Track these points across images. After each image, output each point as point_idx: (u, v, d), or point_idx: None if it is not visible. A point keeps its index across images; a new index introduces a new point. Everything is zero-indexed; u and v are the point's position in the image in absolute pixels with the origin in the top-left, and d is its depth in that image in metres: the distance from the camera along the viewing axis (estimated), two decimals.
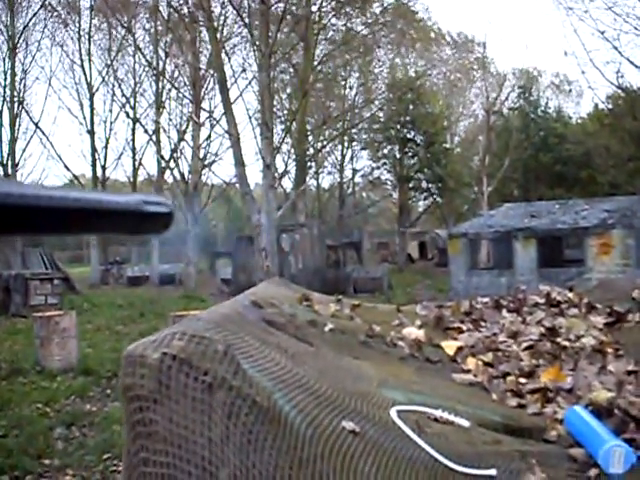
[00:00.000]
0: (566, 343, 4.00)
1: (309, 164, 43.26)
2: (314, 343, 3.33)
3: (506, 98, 51.57)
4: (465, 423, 2.62)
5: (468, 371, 3.66)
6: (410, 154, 48.82)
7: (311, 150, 42.06)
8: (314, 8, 31.06)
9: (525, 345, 4.00)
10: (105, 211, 0.59)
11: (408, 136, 47.70)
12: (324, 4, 31.86)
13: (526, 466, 2.35)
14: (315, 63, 33.92)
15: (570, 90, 56.15)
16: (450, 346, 3.98)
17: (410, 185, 50.02)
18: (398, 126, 47.13)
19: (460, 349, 3.95)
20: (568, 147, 46.36)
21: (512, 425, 2.86)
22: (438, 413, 2.63)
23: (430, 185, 49.09)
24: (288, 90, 41.35)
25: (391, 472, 2.08)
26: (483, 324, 4.53)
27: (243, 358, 2.19)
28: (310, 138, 42.10)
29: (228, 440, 1.97)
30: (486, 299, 5.16)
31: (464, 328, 4.40)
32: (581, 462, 2.52)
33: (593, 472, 2.43)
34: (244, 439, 1.97)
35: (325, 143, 43.48)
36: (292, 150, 40.20)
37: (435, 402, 2.77)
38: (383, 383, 2.89)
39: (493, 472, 2.29)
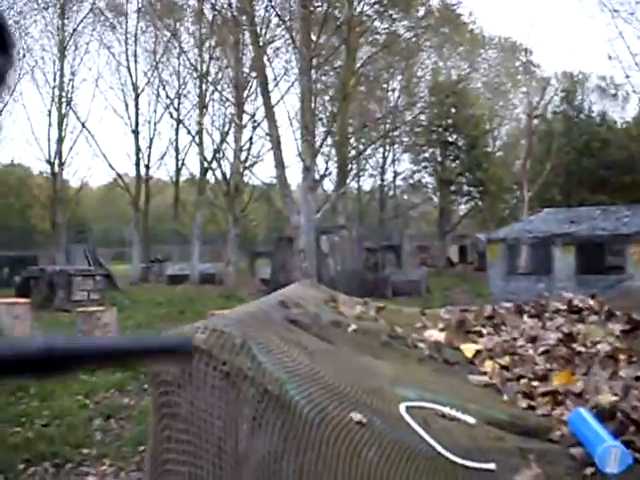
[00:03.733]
0: (581, 349, 4.12)
1: (350, 166, 43.40)
2: (336, 342, 3.51)
3: (549, 102, 51.28)
4: (471, 420, 2.78)
5: (484, 373, 3.79)
6: (452, 157, 48.72)
7: (352, 152, 42.18)
8: (357, 11, 31.18)
9: (542, 350, 4.12)
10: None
11: (450, 139, 47.61)
12: (366, 7, 31.98)
13: (524, 462, 2.51)
14: (357, 66, 34.04)
15: (615, 94, 55.50)
16: (469, 349, 4.12)
17: (451, 189, 49.90)
18: (440, 129, 47.07)
19: (478, 352, 4.09)
20: (612, 152, 45.87)
21: (519, 424, 3.00)
22: (445, 410, 2.79)
23: (471, 189, 48.94)
24: (330, 93, 41.50)
25: (394, 461, 2.26)
26: (504, 328, 4.66)
27: (260, 351, 2.40)
28: (352, 140, 42.26)
29: (241, 423, 2.18)
30: (509, 304, 5.28)
31: (485, 332, 4.53)
32: (580, 461, 2.65)
33: (589, 470, 2.56)
34: (256, 423, 2.18)
35: (366, 146, 43.56)
36: (333, 152, 40.38)
37: (445, 400, 2.93)
38: (397, 381, 3.06)
39: (492, 466, 2.44)
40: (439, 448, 2.41)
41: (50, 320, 20.46)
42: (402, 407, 2.65)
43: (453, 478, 2.35)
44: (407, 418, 2.56)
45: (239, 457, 2.18)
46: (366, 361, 3.34)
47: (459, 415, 2.78)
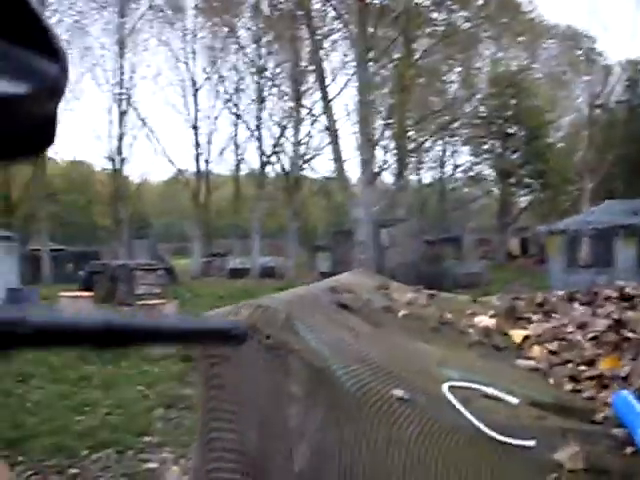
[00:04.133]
0: (630, 335, 4.13)
1: (410, 159, 43.31)
2: (385, 326, 3.60)
3: (612, 91, 50.41)
4: (513, 400, 2.84)
5: (532, 358, 3.84)
6: (512, 149, 48.27)
7: (412, 145, 42.07)
8: (414, 2, 31.12)
9: (590, 336, 4.14)
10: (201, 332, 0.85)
11: (510, 131, 47.18)
12: None
13: (564, 440, 2.57)
14: (415, 58, 33.96)
15: None
16: (518, 334, 4.17)
17: (511, 181, 49.45)
18: (500, 121, 46.67)
19: (527, 337, 4.13)
20: None
21: (563, 406, 3.05)
22: (488, 390, 2.86)
23: (532, 181, 48.44)
24: (389, 85, 41.45)
25: (433, 435, 2.34)
26: (554, 315, 4.69)
27: (304, 328, 2.50)
28: (411, 133, 42.15)
29: (284, 393, 2.30)
30: (561, 292, 5.30)
31: (535, 318, 4.56)
32: (621, 441, 2.69)
33: (629, 449, 2.61)
34: (298, 393, 2.29)
35: (425, 138, 43.41)
36: (392, 145, 40.36)
37: (490, 382, 2.99)
38: (442, 363, 3.13)
39: (532, 443, 2.50)
40: (478, 424, 2.48)
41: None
42: (445, 386, 2.73)
43: (492, 454, 2.42)
44: (449, 396, 2.63)
45: (282, 426, 2.30)
46: (413, 344, 3.41)
47: (501, 395, 2.85)
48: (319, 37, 30.10)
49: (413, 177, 51.28)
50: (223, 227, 58.00)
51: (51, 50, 0.49)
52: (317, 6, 31.82)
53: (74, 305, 16.99)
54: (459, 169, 54.18)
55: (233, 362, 2.42)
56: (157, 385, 11.12)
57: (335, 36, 35.34)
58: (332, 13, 31.21)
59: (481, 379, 3.00)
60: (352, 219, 26.38)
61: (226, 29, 41.96)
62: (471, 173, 53.05)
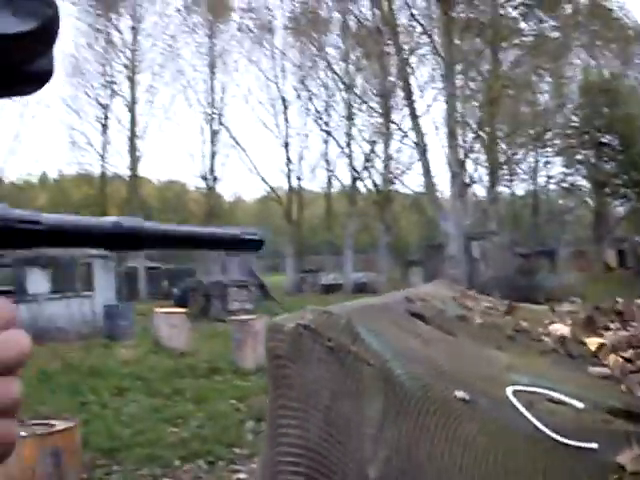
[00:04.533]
0: None
1: (501, 171, 42.90)
2: (458, 335, 3.66)
3: None
4: (579, 404, 2.87)
5: (606, 366, 3.84)
6: (606, 159, 47.26)
7: (503, 157, 41.67)
8: (501, 14, 30.92)
9: None
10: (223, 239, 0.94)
11: (603, 140, 46.22)
12: (510, 9, 31.67)
13: (627, 443, 2.60)
14: (504, 69, 33.70)
15: None
16: (593, 342, 4.17)
17: (607, 191, 48.39)
18: (592, 130, 45.78)
19: (603, 345, 4.12)
20: None
21: (631, 412, 3.07)
22: (554, 394, 2.91)
23: (628, 190, 47.31)
24: (478, 97, 41.22)
25: (493, 434, 2.41)
26: (633, 324, 4.67)
27: (365, 331, 2.62)
28: (502, 145, 41.77)
29: (344, 392, 2.42)
30: None
31: (612, 327, 4.55)
32: None
33: None
34: (357, 392, 2.41)
35: (517, 150, 42.94)
36: (483, 157, 40.08)
37: (558, 387, 3.03)
38: (511, 368, 3.18)
39: (594, 445, 2.54)
40: (540, 425, 2.53)
41: (205, 329, 21.28)
42: (509, 389, 2.79)
43: (553, 455, 2.47)
44: (512, 398, 2.69)
45: (342, 423, 2.41)
46: (483, 350, 3.47)
47: (567, 399, 2.88)
48: (406, 52, 30.21)
49: (505, 189, 50.69)
50: (316, 243, 58.42)
51: None
52: (404, 21, 32.05)
53: (168, 321, 17.40)
54: (552, 180, 53.29)
55: (298, 363, 2.56)
56: (248, 398, 11.33)
57: (422, 50, 35.48)
58: (418, 28, 31.33)
59: (549, 385, 3.04)
60: (443, 233, 26.27)
61: (314, 47, 42.47)
62: (564, 184, 52.12)
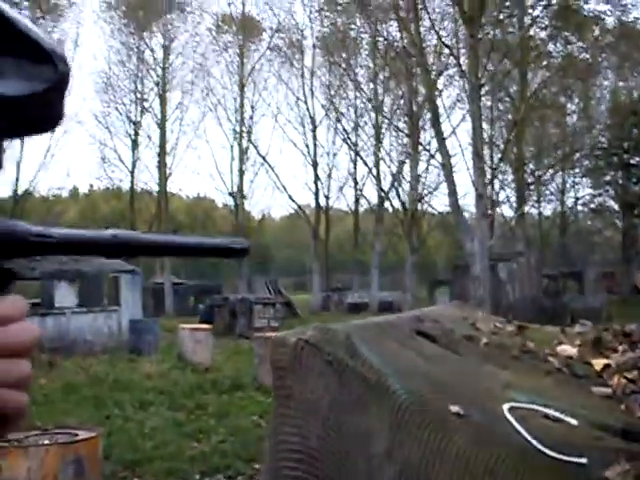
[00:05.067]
0: None
1: (528, 192, 42.81)
2: (463, 354, 3.79)
3: None
4: (573, 421, 2.99)
5: (609, 386, 3.93)
6: (635, 180, 47.03)
7: (530, 178, 41.60)
8: (529, 35, 30.99)
9: None
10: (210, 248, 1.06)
11: (632, 161, 46.01)
12: (538, 31, 31.75)
13: (615, 459, 2.71)
14: (531, 90, 33.72)
15: None
16: (599, 363, 4.26)
17: (635, 212, 48.11)
18: (621, 151, 45.60)
19: (608, 366, 4.22)
20: None
21: (627, 430, 3.17)
22: (549, 411, 3.02)
23: None
24: (506, 118, 41.25)
25: (483, 445, 2.54)
26: None
27: (363, 346, 2.77)
28: (529, 166, 41.72)
29: (341, 403, 2.57)
30: None
31: (620, 348, 4.63)
32: None
33: None
34: (353, 404, 2.56)
35: (545, 170, 42.85)
36: (510, 178, 40.08)
37: (556, 405, 3.14)
38: (512, 386, 3.30)
39: (583, 460, 2.66)
40: (531, 439, 2.65)
41: (230, 346, 21.43)
42: (505, 405, 2.91)
43: (543, 469, 2.59)
44: (506, 414, 2.82)
45: (338, 432, 2.56)
46: (486, 369, 3.58)
47: (562, 416, 3.00)
48: (434, 73, 30.40)
49: (533, 210, 50.55)
50: (343, 261, 58.52)
51: (44, 56, 0.71)
52: (431, 42, 32.29)
53: (193, 337, 17.57)
54: (580, 201, 53.08)
55: (299, 375, 2.72)
56: (269, 414, 11.40)
57: (449, 71, 35.60)
58: (446, 49, 31.43)
59: (548, 403, 3.16)
60: (468, 253, 26.28)
61: (343, 67, 42.79)
62: (593, 205, 51.90)
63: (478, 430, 2.61)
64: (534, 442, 2.65)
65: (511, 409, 2.90)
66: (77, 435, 6.02)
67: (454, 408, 2.66)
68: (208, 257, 0.95)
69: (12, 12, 0.70)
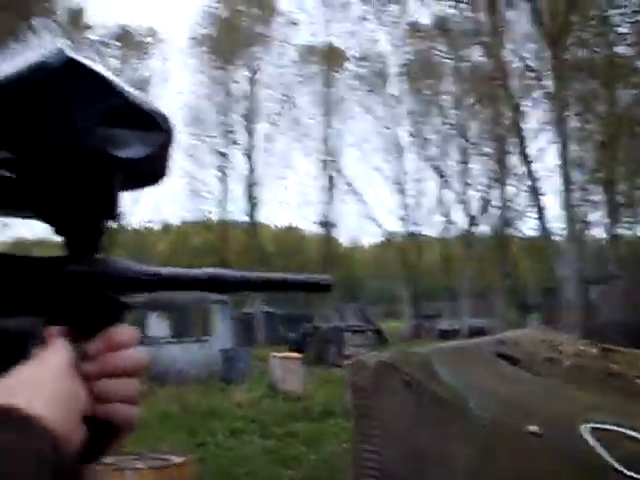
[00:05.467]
0: None
1: (621, 213, 41.86)
2: (545, 375, 3.79)
3: None
4: None
5: None
6: None
7: (623, 198, 40.68)
8: (616, 53, 30.50)
9: None
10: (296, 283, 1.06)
11: None
12: (625, 48, 31.19)
13: None
14: (620, 108, 33.10)
15: None
16: None
17: None
18: None
19: None
20: None
21: None
22: (632, 433, 3.00)
23: None
24: (594, 139, 40.51)
25: (562, 465, 2.56)
26: None
27: (444, 369, 2.83)
28: (622, 186, 40.83)
29: (419, 423, 2.63)
30: None
31: None
32: None
33: None
34: (430, 424, 2.61)
35: (638, 191, 41.83)
36: (601, 199, 39.29)
37: (637, 426, 3.12)
38: (593, 407, 3.29)
39: None
40: (610, 459, 2.65)
41: (321, 374, 21.49)
42: (585, 426, 2.91)
43: None
44: (586, 434, 2.82)
45: (416, 451, 2.61)
46: (567, 391, 3.58)
47: None
48: (519, 96, 30.15)
49: (626, 231, 49.36)
50: (433, 288, 58.12)
51: (154, 124, 0.88)
52: (515, 65, 32.01)
53: (284, 365, 17.73)
54: None
55: (378, 395, 2.79)
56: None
57: (535, 94, 35.19)
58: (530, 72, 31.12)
59: (629, 424, 3.13)
60: (559, 277, 25.87)
61: (428, 93, 42.85)
62: None
63: (556, 450, 2.63)
64: (615, 463, 2.65)
65: (591, 430, 2.90)
66: (170, 460, 6.18)
67: (531, 428, 2.69)
68: (294, 292, 1.06)
69: (128, 88, 0.86)
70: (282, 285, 1.01)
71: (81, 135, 0.83)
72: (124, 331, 0.87)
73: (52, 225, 0.87)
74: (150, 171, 0.92)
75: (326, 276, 1.06)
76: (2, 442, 0.68)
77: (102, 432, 0.83)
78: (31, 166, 0.83)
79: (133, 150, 0.85)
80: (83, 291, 0.86)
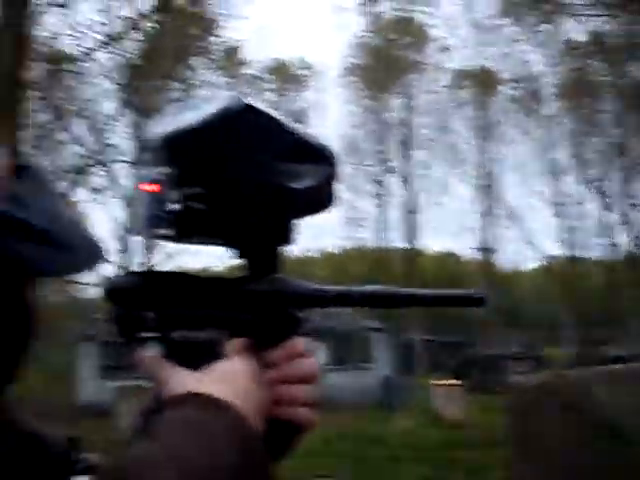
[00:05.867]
0: None
1: None
2: None
3: None
4: None
5: None
6: None
7: None
8: None
9: None
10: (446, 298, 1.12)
11: None
12: None
13: None
14: None
15: None
16: None
17: None
18: None
19: None
20: None
21: None
22: None
23: None
24: None
25: None
26: None
27: (603, 391, 2.78)
28: None
29: (578, 445, 2.60)
30: None
31: None
32: None
33: None
34: (589, 446, 2.57)
35: None
36: None
37: None
38: None
39: None
40: None
41: (482, 401, 21.18)
42: None
43: None
44: None
45: (574, 471, 2.57)
46: None
47: None
48: None
49: None
50: (596, 314, 56.29)
51: (320, 158, 0.99)
52: None
53: (444, 393, 17.62)
54: None
55: (536, 418, 2.78)
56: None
57: None
58: None
59: None
60: None
61: (587, 113, 41.72)
62: None
63: None
64: None
65: None
66: None
67: None
68: (450, 307, 1.12)
69: (297, 127, 0.98)
70: (442, 300, 1.09)
71: (260, 170, 0.94)
72: (303, 342, 0.98)
73: (236, 249, 0.98)
74: (319, 200, 1.02)
75: (480, 290, 1.09)
76: (203, 422, 0.79)
77: (284, 433, 0.95)
78: (219, 199, 0.93)
79: (304, 182, 0.96)
80: (263, 306, 0.97)
